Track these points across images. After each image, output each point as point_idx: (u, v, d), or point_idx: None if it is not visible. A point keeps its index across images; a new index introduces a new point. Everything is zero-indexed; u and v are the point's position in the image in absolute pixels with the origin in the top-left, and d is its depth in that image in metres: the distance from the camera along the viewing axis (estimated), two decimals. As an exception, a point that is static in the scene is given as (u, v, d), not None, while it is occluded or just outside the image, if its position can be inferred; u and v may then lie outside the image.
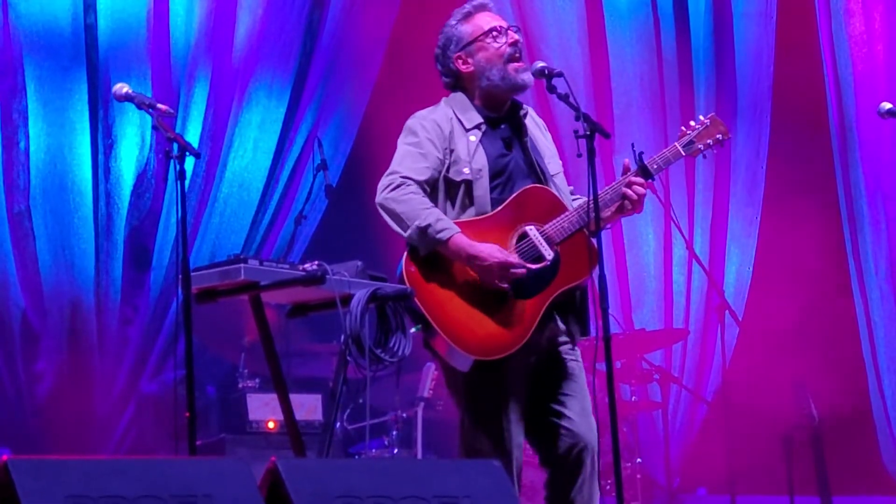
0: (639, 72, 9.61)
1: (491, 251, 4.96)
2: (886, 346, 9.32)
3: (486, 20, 5.28)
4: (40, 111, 8.06)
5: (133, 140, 8.22)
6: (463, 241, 4.96)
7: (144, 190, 8.30)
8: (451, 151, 5.13)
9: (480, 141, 5.16)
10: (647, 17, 9.63)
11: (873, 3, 9.66)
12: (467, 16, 5.30)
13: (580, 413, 5.11)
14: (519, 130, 5.28)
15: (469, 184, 5.10)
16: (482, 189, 5.10)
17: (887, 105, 5.93)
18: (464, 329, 4.97)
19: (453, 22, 5.31)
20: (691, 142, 5.36)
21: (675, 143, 5.36)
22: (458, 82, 5.30)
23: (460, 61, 5.26)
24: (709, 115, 5.45)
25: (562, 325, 5.14)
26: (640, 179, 5.19)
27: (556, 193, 5.18)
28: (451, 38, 5.28)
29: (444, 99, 5.31)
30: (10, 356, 7.96)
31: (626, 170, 5.24)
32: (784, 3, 9.73)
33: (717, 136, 5.40)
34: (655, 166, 5.25)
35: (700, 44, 9.70)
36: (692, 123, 5.42)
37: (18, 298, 7.99)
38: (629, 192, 5.18)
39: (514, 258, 4.98)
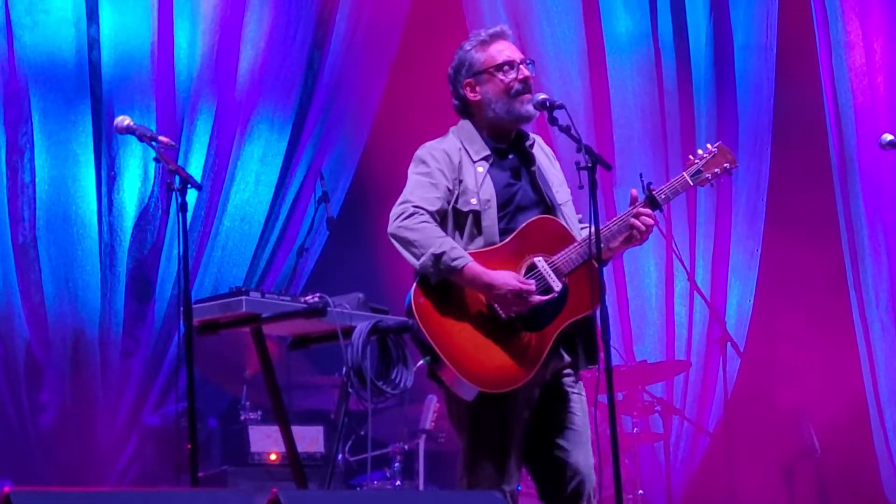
0: (639, 103, 9.61)
1: (506, 279, 4.96)
2: (887, 377, 9.30)
3: (500, 51, 5.26)
4: (45, 143, 8.08)
5: (136, 172, 8.24)
6: (478, 269, 4.96)
7: (147, 223, 8.30)
8: (460, 182, 5.14)
9: (488, 171, 5.17)
10: (648, 49, 9.64)
11: (874, 34, 9.68)
12: (483, 43, 5.29)
13: (580, 447, 5.12)
14: (526, 160, 5.28)
15: (477, 214, 5.11)
16: (490, 219, 5.10)
17: (889, 136, 5.94)
18: (472, 361, 4.96)
19: (468, 46, 5.30)
20: (699, 171, 5.36)
21: (683, 173, 5.36)
22: (466, 108, 5.31)
23: (469, 88, 5.26)
24: (716, 144, 5.44)
25: (567, 358, 5.15)
26: (648, 210, 5.20)
27: (564, 223, 5.19)
28: (464, 62, 5.27)
29: (451, 129, 5.32)
30: (15, 387, 7.96)
31: (633, 200, 5.24)
32: (784, 35, 9.76)
33: (725, 164, 5.39)
34: (663, 196, 5.26)
35: (701, 76, 9.71)
36: (700, 152, 5.41)
37: (23, 329, 7.99)
38: (637, 222, 5.18)
39: (528, 285, 4.99)
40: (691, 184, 5.36)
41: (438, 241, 4.97)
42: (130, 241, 8.24)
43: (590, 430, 5.18)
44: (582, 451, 5.11)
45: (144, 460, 8.16)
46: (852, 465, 9.09)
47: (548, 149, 5.45)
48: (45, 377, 8.06)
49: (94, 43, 8.23)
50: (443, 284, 5.00)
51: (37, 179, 8.06)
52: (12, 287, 7.96)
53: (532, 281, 5.00)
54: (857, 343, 9.41)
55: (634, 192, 5.25)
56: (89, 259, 8.12)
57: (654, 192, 5.23)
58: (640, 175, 5.35)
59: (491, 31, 5.36)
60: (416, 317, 4.97)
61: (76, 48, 8.14)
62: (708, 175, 5.37)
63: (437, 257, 4.95)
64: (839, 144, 9.61)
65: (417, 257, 4.98)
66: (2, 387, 7.95)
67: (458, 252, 4.97)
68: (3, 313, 7.94)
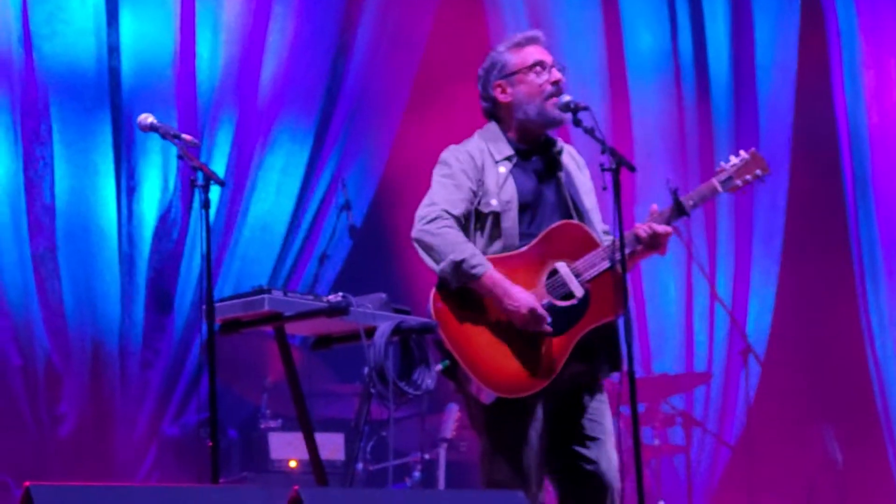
0: (660, 121, 9.62)
1: (525, 298, 4.94)
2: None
3: (532, 54, 5.25)
4: (64, 152, 8.05)
5: (155, 182, 8.22)
6: (497, 277, 4.96)
7: (166, 232, 8.29)
8: (482, 183, 5.13)
9: (511, 172, 5.16)
10: (669, 66, 9.65)
11: (888, 54, 9.69)
12: (516, 45, 5.28)
13: (603, 456, 5.09)
14: (552, 165, 5.26)
15: (497, 215, 5.10)
16: (510, 221, 5.09)
17: None
18: (489, 366, 4.96)
19: (501, 48, 5.29)
20: (730, 177, 5.30)
21: (713, 179, 5.30)
22: (494, 109, 5.29)
23: (499, 89, 5.24)
24: (749, 151, 5.36)
25: (587, 365, 5.11)
26: (645, 228, 5.13)
27: (589, 229, 5.16)
28: (496, 63, 5.26)
29: (477, 132, 5.30)
30: (34, 397, 7.91)
31: (652, 213, 5.21)
32: (803, 54, 9.75)
33: (757, 171, 5.30)
34: (691, 202, 5.20)
35: (721, 93, 9.73)
36: (732, 158, 5.33)
37: (43, 339, 7.94)
38: (639, 232, 5.13)
39: (543, 311, 4.95)
40: (720, 190, 5.29)
41: (459, 248, 4.97)
42: (150, 251, 8.22)
43: (613, 436, 5.15)
44: (607, 461, 5.08)
45: (164, 470, 8.13)
46: (874, 478, 9.05)
47: (579, 157, 5.42)
48: (65, 387, 8.02)
49: (113, 52, 8.21)
50: (462, 289, 5.00)
51: (56, 189, 8.03)
52: (31, 297, 7.92)
53: (546, 315, 4.96)
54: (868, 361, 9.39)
55: (655, 207, 5.22)
56: (109, 269, 8.08)
57: (681, 199, 5.19)
58: (668, 180, 5.30)
59: (526, 34, 5.35)
60: (435, 321, 4.98)
61: (96, 57, 8.11)
62: (739, 182, 5.28)
63: (457, 264, 4.95)
64: (852, 164, 9.60)
65: (438, 262, 5.00)
66: (21, 397, 7.90)
67: (479, 259, 4.97)
68: (23, 323, 7.90)
